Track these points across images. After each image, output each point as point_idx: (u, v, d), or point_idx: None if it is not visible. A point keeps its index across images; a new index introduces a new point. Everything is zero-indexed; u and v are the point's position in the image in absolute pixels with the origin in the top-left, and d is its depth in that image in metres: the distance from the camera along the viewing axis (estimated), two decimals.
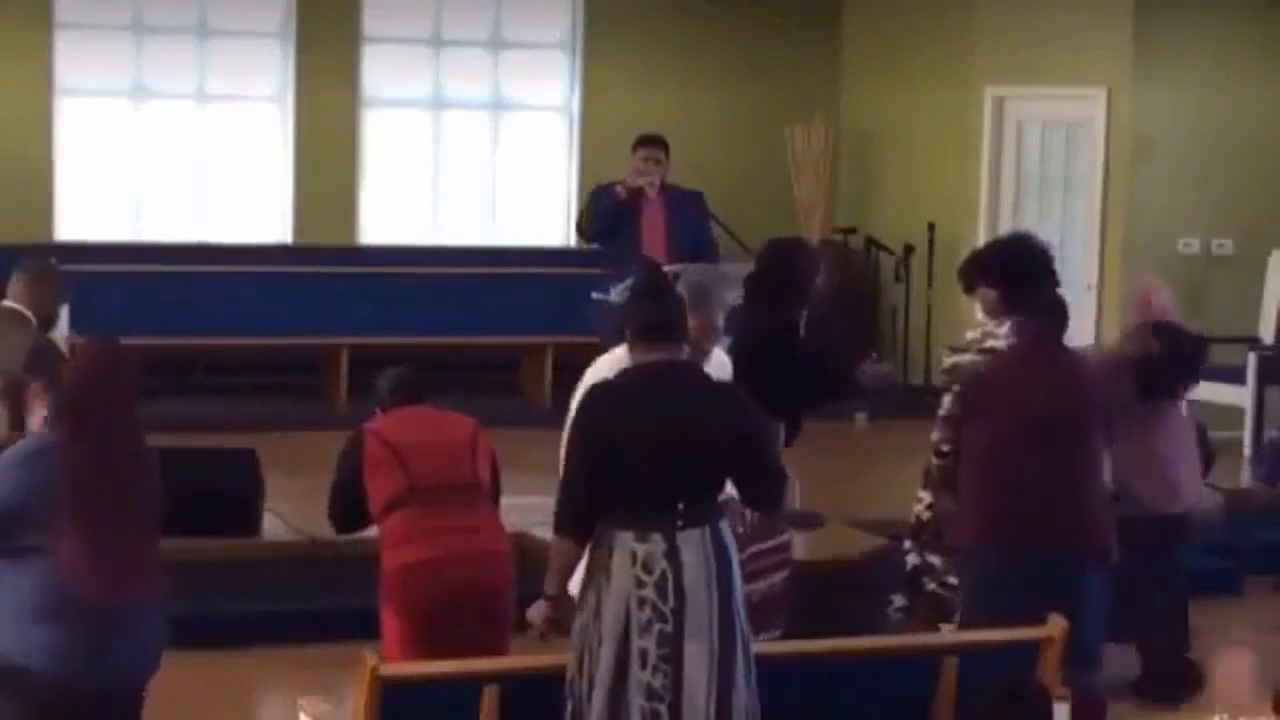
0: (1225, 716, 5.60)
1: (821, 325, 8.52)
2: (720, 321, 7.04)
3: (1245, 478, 11.69)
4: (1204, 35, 13.30)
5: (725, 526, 5.75)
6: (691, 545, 5.62)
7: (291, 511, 9.51)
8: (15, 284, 7.26)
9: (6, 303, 7.20)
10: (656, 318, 5.81)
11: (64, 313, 8.49)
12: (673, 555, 5.61)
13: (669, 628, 5.59)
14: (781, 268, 8.38)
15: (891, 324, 14.67)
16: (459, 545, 6.61)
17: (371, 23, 14.49)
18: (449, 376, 11.39)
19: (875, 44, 15.20)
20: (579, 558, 5.80)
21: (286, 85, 14.29)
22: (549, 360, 13.30)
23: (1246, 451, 12.25)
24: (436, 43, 14.73)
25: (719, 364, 7.04)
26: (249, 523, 9.29)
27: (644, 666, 5.59)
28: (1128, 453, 7.89)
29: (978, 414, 7.40)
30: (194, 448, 9.57)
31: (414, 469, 6.70)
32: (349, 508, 6.86)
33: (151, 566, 5.49)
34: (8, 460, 5.39)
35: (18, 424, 6.87)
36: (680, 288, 6.86)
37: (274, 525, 9.42)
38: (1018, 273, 8.01)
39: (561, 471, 5.89)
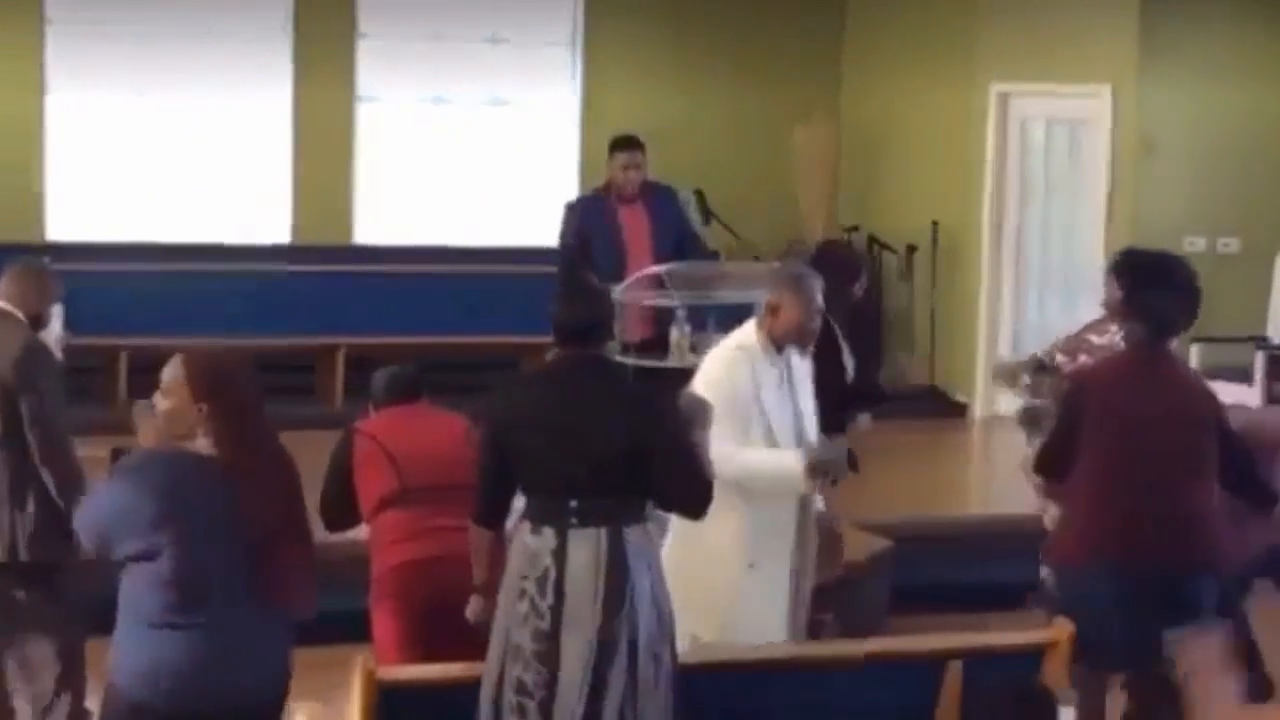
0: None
1: (851, 331, 8.49)
2: (815, 319, 6.94)
3: None
4: (1209, 32, 13.25)
5: (636, 531, 5.63)
6: (583, 546, 5.55)
7: None
8: (5, 283, 7.19)
9: None
10: (572, 319, 5.82)
11: (57, 313, 8.41)
12: (560, 553, 5.55)
13: (545, 625, 5.53)
14: (823, 273, 8.41)
15: (894, 323, 14.61)
16: (450, 545, 6.56)
17: (369, 20, 14.44)
18: (449, 377, 11.33)
19: (878, 42, 15.15)
20: (495, 546, 5.80)
21: (284, 83, 14.23)
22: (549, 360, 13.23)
23: None
24: (436, 40, 14.68)
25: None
26: None
27: (517, 660, 5.55)
28: None
29: (1081, 426, 7.16)
30: None
31: (406, 470, 6.68)
32: (340, 506, 6.83)
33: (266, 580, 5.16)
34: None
35: (10, 427, 6.79)
36: (774, 271, 6.93)
37: None
38: (1147, 276, 7.92)
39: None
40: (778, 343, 6.81)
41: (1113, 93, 13.25)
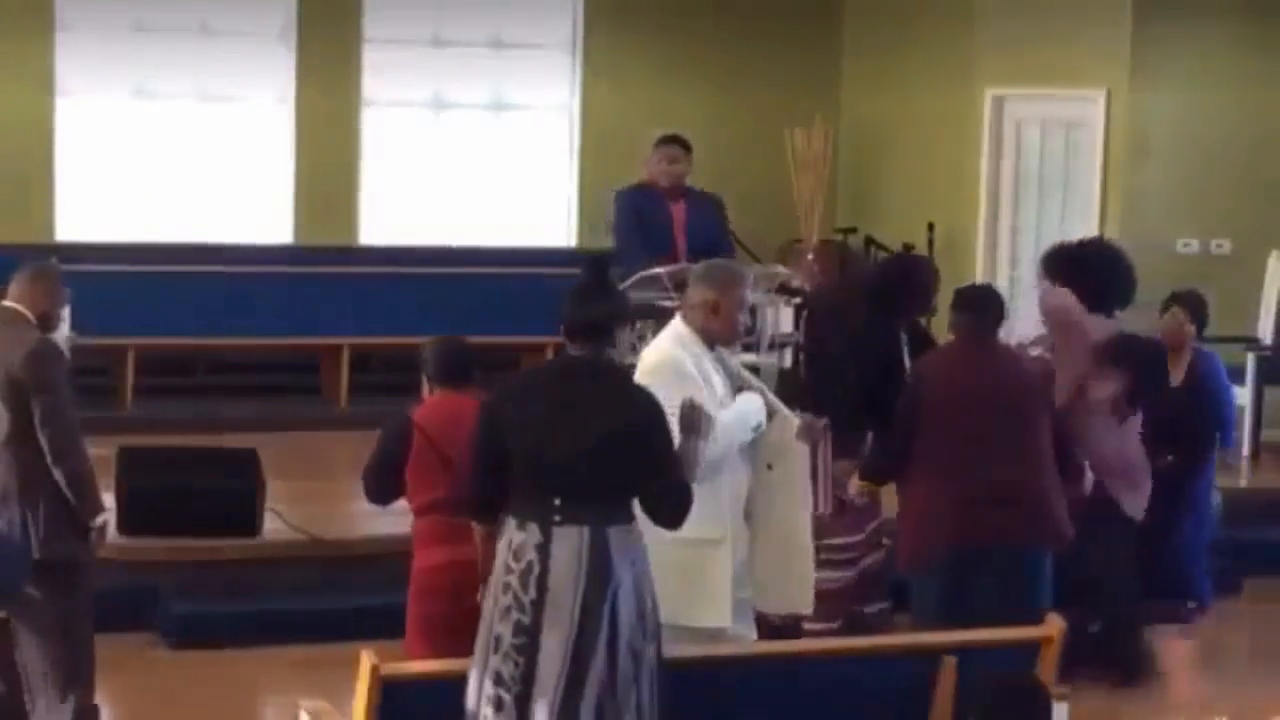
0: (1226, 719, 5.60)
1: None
2: (743, 318, 7.00)
3: (1245, 477, 11.76)
4: (1202, 37, 13.31)
5: (619, 531, 5.65)
6: (566, 543, 5.59)
7: (291, 511, 9.52)
8: (15, 284, 7.26)
9: (7, 303, 7.19)
10: (584, 317, 5.80)
11: (64, 314, 8.48)
12: (543, 549, 5.60)
13: (526, 619, 5.59)
14: (899, 281, 8.53)
15: None
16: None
17: (372, 24, 14.49)
18: None
19: (875, 45, 15.21)
20: (490, 540, 5.84)
21: (287, 86, 14.30)
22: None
23: (1245, 452, 12.28)
24: (437, 43, 14.74)
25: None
26: (249, 523, 9.30)
27: (496, 651, 5.61)
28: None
29: (925, 420, 7.43)
30: (194, 448, 9.60)
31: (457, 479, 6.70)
32: (384, 487, 6.94)
33: None
34: None
35: (22, 427, 6.86)
36: (705, 270, 6.94)
37: (274, 525, 9.43)
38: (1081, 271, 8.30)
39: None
40: (714, 340, 6.77)
41: (1106, 96, 13.32)
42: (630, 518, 5.71)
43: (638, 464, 5.65)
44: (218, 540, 9.19)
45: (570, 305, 5.85)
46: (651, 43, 15.10)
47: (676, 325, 6.87)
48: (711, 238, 10.39)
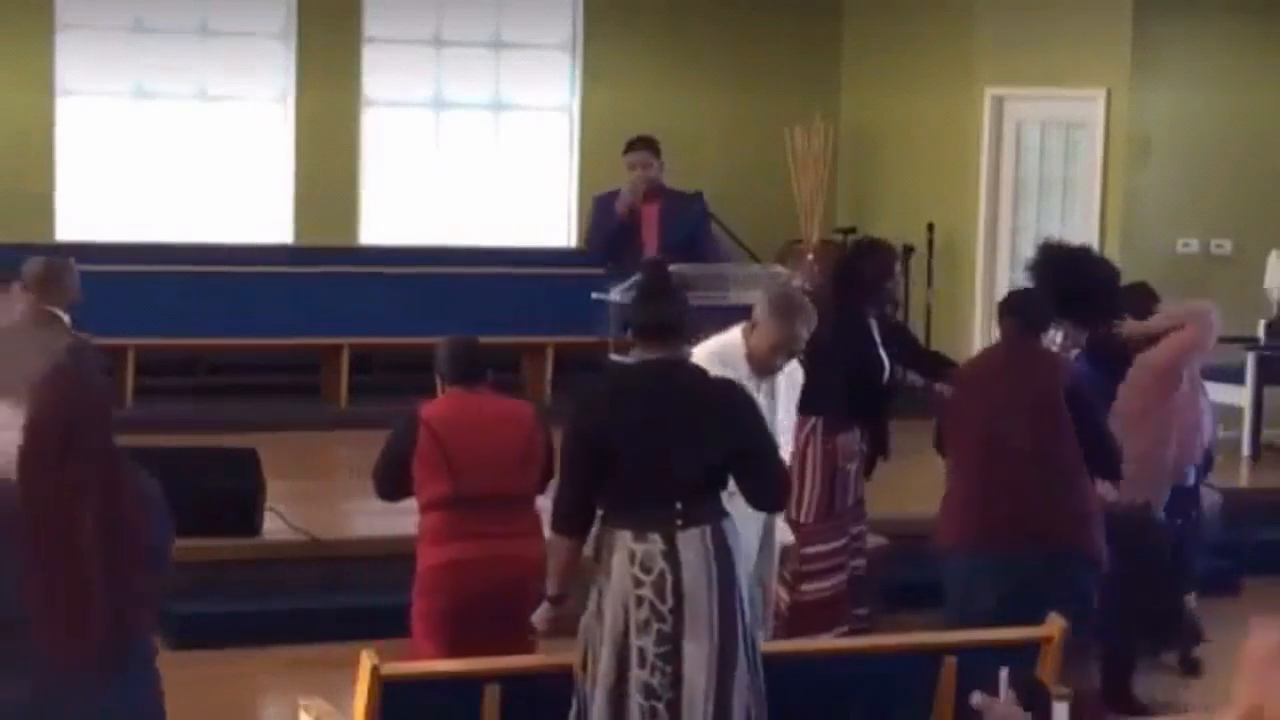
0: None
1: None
2: (798, 343, 7.05)
3: (1245, 477, 11.77)
4: (1202, 36, 13.31)
5: (729, 524, 5.75)
6: (691, 545, 5.64)
7: (291, 511, 9.52)
8: (36, 284, 7.21)
9: (39, 306, 7.15)
10: (654, 318, 5.82)
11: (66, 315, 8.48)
12: (671, 555, 5.63)
13: (667, 627, 5.62)
14: (844, 270, 8.52)
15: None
16: (494, 549, 6.66)
17: (372, 23, 14.50)
18: None
19: (875, 44, 15.22)
20: (578, 557, 5.85)
21: (287, 86, 14.31)
22: (549, 360, 13.33)
23: (1245, 452, 12.29)
24: (437, 43, 14.75)
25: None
26: (249, 523, 9.30)
27: (642, 665, 5.62)
28: None
29: (959, 417, 7.47)
30: (194, 448, 9.59)
31: (462, 477, 6.72)
32: (392, 484, 6.92)
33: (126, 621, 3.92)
34: None
35: None
36: (785, 305, 6.99)
37: (274, 525, 9.43)
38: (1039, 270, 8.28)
39: (558, 471, 5.91)
40: (754, 364, 6.92)
41: (1107, 96, 13.32)
42: (726, 509, 5.81)
43: (745, 453, 5.75)
44: (218, 540, 9.18)
45: (640, 307, 5.90)
46: (651, 43, 15.11)
47: (734, 329, 6.93)
48: (689, 235, 10.38)
